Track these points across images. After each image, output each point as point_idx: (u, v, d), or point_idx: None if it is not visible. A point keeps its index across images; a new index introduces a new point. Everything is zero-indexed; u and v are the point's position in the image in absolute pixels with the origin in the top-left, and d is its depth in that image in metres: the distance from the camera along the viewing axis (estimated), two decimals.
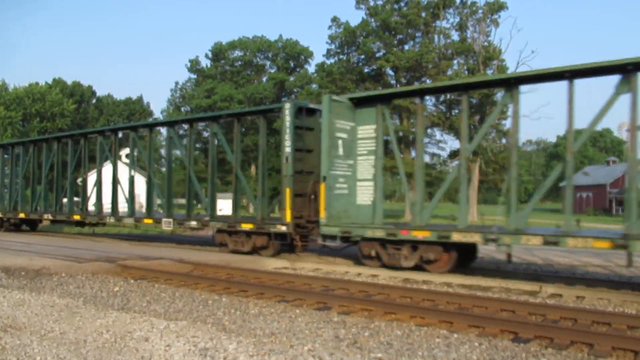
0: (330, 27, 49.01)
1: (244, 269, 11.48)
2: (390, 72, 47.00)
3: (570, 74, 10.29)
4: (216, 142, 16.47)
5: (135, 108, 79.10)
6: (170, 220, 16.28)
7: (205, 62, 70.71)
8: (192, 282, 10.15)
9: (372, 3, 46.98)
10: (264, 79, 69.57)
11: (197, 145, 50.59)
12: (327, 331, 6.45)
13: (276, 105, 15.20)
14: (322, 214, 12.77)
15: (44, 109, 64.38)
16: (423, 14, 45.16)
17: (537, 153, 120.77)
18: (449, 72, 43.39)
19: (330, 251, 14.52)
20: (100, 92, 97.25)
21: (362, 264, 12.54)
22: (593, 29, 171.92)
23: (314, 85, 55.89)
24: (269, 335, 6.19)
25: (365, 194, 13.06)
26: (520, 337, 6.34)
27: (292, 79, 67.02)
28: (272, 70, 69.98)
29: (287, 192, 13.69)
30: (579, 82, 10.40)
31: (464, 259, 12.09)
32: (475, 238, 10.84)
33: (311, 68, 65.83)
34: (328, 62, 50.33)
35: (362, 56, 47.48)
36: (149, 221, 17.33)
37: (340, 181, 13.01)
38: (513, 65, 72.67)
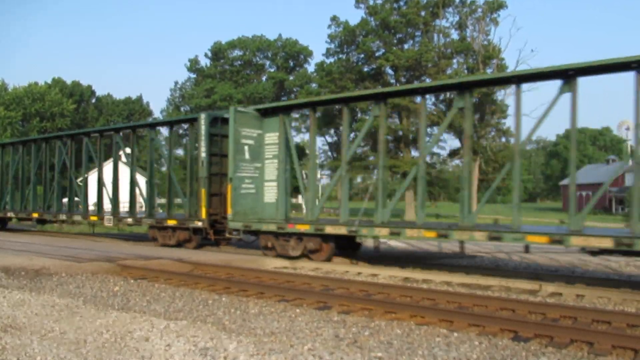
0: (329, 27, 48.94)
1: (243, 269, 11.49)
2: (390, 72, 46.95)
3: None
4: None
5: (135, 108, 79.05)
6: (111, 217, 18.46)
7: (204, 62, 70.77)
8: (192, 282, 10.16)
9: (371, 2, 46.90)
10: (264, 79, 69.53)
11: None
12: (327, 330, 6.46)
13: (196, 115, 16.67)
14: (229, 211, 14.22)
15: (43, 109, 64.37)
16: (422, 13, 45.08)
17: (536, 152, 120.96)
18: (449, 71, 43.34)
19: (245, 244, 16.51)
20: (99, 91, 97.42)
21: (264, 254, 14.07)
22: (593, 28, 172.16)
23: (313, 85, 55.88)
24: (269, 335, 6.20)
25: (270, 193, 14.50)
26: (520, 335, 6.34)
27: (291, 78, 66.98)
28: (272, 70, 69.93)
29: (203, 192, 15.40)
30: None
31: (349, 249, 13.90)
32: (342, 231, 12.34)
33: (311, 67, 65.89)
34: (327, 61, 50.28)
35: (362, 55, 47.39)
36: (94, 218, 19.36)
37: (246, 182, 14.44)
38: (513, 64, 72.78)
